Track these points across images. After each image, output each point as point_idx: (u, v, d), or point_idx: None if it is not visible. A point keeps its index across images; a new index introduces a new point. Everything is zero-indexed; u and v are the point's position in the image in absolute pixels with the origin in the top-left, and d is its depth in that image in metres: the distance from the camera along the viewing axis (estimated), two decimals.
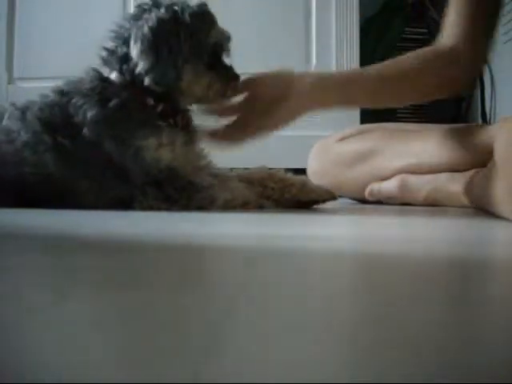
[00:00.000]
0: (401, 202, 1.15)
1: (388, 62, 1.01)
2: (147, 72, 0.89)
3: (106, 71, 0.94)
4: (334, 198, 0.99)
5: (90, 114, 0.89)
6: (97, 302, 0.31)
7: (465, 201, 1.04)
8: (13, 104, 0.95)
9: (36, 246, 0.53)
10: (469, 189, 1.01)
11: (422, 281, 0.38)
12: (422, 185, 1.12)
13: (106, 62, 0.94)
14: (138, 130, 0.91)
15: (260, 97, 0.96)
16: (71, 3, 1.89)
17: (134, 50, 0.90)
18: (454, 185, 1.07)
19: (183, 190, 0.91)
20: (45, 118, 0.91)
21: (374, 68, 1.01)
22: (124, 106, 0.91)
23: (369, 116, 1.69)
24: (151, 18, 0.90)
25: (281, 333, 0.25)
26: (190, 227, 0.73)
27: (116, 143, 0.90)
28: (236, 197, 0.92)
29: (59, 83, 0.96)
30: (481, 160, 0.97)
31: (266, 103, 0.96)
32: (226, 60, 0.97)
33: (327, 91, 0.99)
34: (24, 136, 0.90)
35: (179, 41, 0.90)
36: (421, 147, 1.14)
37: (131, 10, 1.85)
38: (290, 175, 0.98)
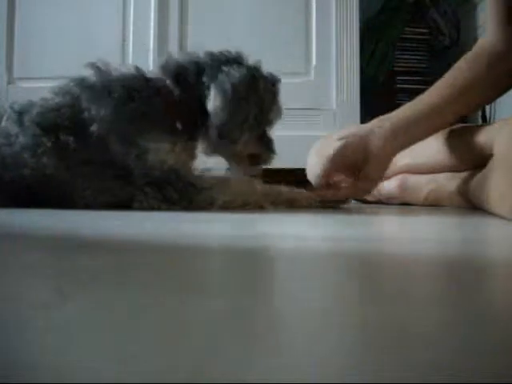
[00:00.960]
0: (401, 202, 1.16)
1: (441, 84, 1.01)
2: (218, 126, 0.92)
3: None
4: (315, 201, 1.01)
5: (103, 111, 0.89)
6: (97, 301, 0.31)
7: (465, 201, 1.04)
8: (11, 106, 0.95)
9: (36, 245, 0.53)
10: (469, 189, 1.01)
11: (421, 281, 0.38)
12: (422, 185, 1.12)
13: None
14: (148, 133, 0.91)
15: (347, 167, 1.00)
16: (71, 3, 1.89)
17: (213, 101, 0.92)
18: (453, 185, 1.07)
19: (183, 191, 0.91)
20: (44, 121, 0.91)
21: (429, 99, 1.01)
22: (145, 104, 0.91)
23: (369, 116, 1.69)
24: (234, 75, 0.92)
25: (281, 332, 0.25)
26: (190, 227, 0.73)
27: (122, 142, 0.90)
28: (235, 198, 0.93)
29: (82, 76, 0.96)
30: (481, 160, 0.97)
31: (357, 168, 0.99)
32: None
33: (399, 141, 0.99)
34: (22, 139, 0.90)
35: (250, 108, 0.94)
36: (421, 147, 1.14)
37: (131, 10, 1.86)
38: (272, 187, 0.98)
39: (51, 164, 0.90)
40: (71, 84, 0.94)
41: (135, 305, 0.30)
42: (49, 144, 0.89)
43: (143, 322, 0.27)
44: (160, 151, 0.91)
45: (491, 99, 1.14)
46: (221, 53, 0.97)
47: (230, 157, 1.00)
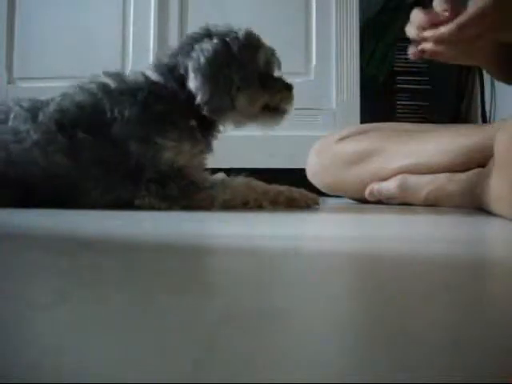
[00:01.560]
0: (401, 202, 1.16)
1: None
2: (205, 103, 0.94)
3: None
4: (316, 203, 1.01)
5: (128, 113, 0.91)
6: (97, 301, 0.31)
7: (464, 201, 1.04)
8: (19, 104, 0.95)
9: (36, 245, 0.53)
10: (469, 189, 1.01)
11: (421, 281, 0.38)
12: (422, 185, 1.12)
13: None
14: (165, 131, 0.93)
15: None
16: (71, 3, 1.89)
17: (193, 82, 0.94)
18: (453, 185, 1.07)
19: (184, 190, 0.91)
20: (61, 118, 0.92)
21: None
22: (169, 112, 0.94)
23: (369, 116, 1.69)
24: (207, 49, 0.94)
25: (281, 332, 0.25)
26: (190, 227, 0.73)
27: (141, 141, 0.92)
28: (235, 197, 0.93)
29: (103, 77, 0.97)
30: (481, 160, 0.97)
31: None
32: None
33: None
34: (34, 135, 0.91)
35: (231, 72, 0.95)
36: (421, 147, 1.14)
37: (131, 10, 1.86)
38: (272, 186, 0.98)
39: (63, 162, 0.90)
40: (93, 85, 0.95)
41: (135, 305, 0.30)
42: (63, 141, 0.90)
43: (143, 321, 0.27)
44: (175, 149, 0.93)
45: None
46: (189, 36, 1.00)
47: (247, 120, 1.01)
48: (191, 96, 0.95)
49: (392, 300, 0.32)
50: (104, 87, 0.94)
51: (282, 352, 0.22)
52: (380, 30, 2.06)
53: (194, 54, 0.95)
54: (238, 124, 1.03)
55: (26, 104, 0.94)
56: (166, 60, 0.99)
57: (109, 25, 1.85)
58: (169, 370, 0.20)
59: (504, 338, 0.24)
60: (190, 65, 0.94)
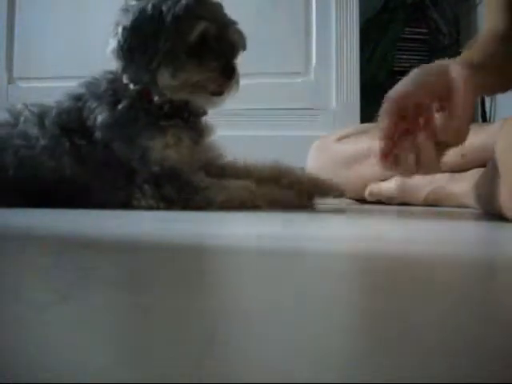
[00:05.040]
0: (401, 202, 1.15)
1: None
2: (122, 71, 0.92)
3: (119, 68, 0.94)
4: (342, 194, 1.02)
5: (100, 119, 0.92)
6: (97, 301, 0.31)
7: (464, 201, 1.03)
8: (29, 109, 0.96)
9: (36, 245, 0.53)
10: (468, 189, 1.01)
11: (420, 281, 0.38)
12: (422, 185, 1.12)
13: (118, 56, 0.92)
14: (144, 131, 0.92)
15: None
16: (71, 3, 1.89)
17: (109, 47, 0.91)
18: (453, 185, 1.07)
19: (181, 191, 0.91)
20: (62, 123, 0.93)
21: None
22: (132, 107, 0.93)
23: (369, 116, 1.69)
24: (134, 11, 0.89)
25: (281, 332, 0.25)
26: (190, 227, 0.73)
27: (125, 144, 0.92)
28: (233, 197, 0.93)
29: (75, 85, 0.98)
30: (481, 160, 0.97)
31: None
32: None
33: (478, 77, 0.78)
34: (42, 141, 0.93)
35: (157, 42, 0.89)
36: None
37: None
38: (301, 171, 1.00)
39: (69, 164, 0.92)
40: (81, 88, 0.96)
41: (135, 305, 0.30)
42: (67, 144, 0.92)
43: (143, 321, 0.27)
44: (160, 147, 0.92)
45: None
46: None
47: (176, 95, 0.93)
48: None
49: (392, 300, 0.32)
50: (80, 96, 0.95)
51: (281, 352, 0.22)
52: (380, 30, 2.06)
53: (119, 18, 0.90)
54: (180, 96, 0.94)
55: (35, 109, 0.96)
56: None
57: (109, 25, 1.85)
58: (169, 369, 0.20)
59: (503, 338, 0.24)
60: (112, 28, 0.91)
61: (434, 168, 0.75)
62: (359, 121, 1.73)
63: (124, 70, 0.92)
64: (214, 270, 0.44)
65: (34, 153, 0.93)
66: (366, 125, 1.34)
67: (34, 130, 0.94)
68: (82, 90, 0.96)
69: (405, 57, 2.07)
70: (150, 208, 0.91)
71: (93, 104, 0.93)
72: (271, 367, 0.21)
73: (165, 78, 0.91)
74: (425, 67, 0.79)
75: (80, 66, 1.80)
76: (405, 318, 0.27)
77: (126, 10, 0.93)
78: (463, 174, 1.06)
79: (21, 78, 1.89)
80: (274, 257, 0.48)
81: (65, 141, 0.92)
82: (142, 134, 0.92)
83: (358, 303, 0.32)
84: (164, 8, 0.89)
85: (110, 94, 0.93)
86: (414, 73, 0.79)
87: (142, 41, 0.89)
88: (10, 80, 1.90)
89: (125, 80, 0.93)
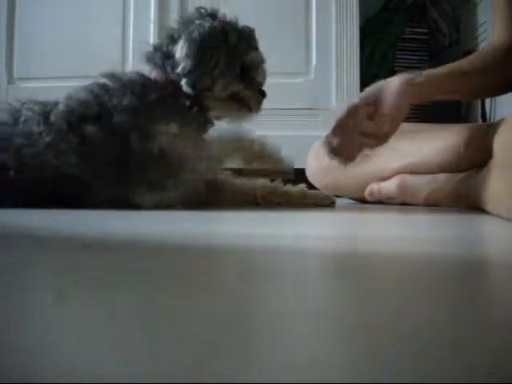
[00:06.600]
0: (400, 202, 1.15)
1: (450, 65, 1.04)
2: (186, 74, 0.96)
3: (147, 69, 1.00)
4: (332, 202, 1.06)
5: (126, 101, 0.94)
6: (97, 301, 0.31)
7: (464, 201, 1.03)
8: (30, 108, 0.96)
9: (36, 245, 0.53)
10: (468, 189, 1.01)
11: (420, 281, 0.38)
12: (422, 185, 1.12)
13: (148, 58, 1.00)
14: (162, 120, 0.95)
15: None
16: (71, 3, 1.89)
17: (180, 50, 0.96)
18: (453, 185, 1.07)
19: (194, 186, 0.95)
20: (73, 114, 0.94)
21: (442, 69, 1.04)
22: (162, 99, 0.97)
23: None
24: (204, 26, 0.97)
25: (280, 332, 0.25)
26: (190, 227, 0.73)
27: (140, 134, 0.94)
28: (238, 198, 0.98)
29: (86, 83, 1.00)
30: (481, 160, 0.97)
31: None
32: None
33: (417, 82, 1.01)
34: (47, 137, 0.92)
35: (220, 55, 0.98)
36: (420, 147, 1.14)
37: (131, 10, 1.86)
38: (289, 187, 1.04)
39: (74, 160, 0.92)
40: (93, 85, 0.98)
41: (135, 305, 0.30)
42: (74, 140, 0.92)
43: (143, 322, 0.27)
44: (174, 137, 0.95)
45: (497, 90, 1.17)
46: (196, 10, 1.03)
47: (215, 105, 1.03)
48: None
49: (392, 300, 0.32)
50: (103, 86, 0.97)
51: (281, 352, 0.22)
52: (380, 30, 2.06)
53: (190, 27, 0.98)
54: (212, 108, 1.03)
55: (36, 107, 0.96)
56: (160, 42, 1.02)
57: (109, 25, 1.85)
58: (169, 369, 0.20)
59: (502, 338, 0.24)
60: (184, 35, 0.97)
61: (349, 157, 1.02)
62: None
63: (189, 72, 0.96)
64: (214, 270, 0.44)
65: (36, 150, 0.92)
66: None
67: (38, 128, 0.93)
68: (102, 81, 0.97)
69: (405, 57, 2.07)
70: (155, 205, 0.92)
71: (118, 90, 0.95)
72: (271, 367, 0.21)
73: (218, 88, 0.99)
74: (375, 83, 1.02)
75: (80, 65, 1.81)
76: (405, 318, 0.27)
77: (186, 23, 1.00)
78: (463, 174, 1.06)
79: (21, 78, 1.89)
80: (273, 256, 0.48)
81: (71, 135, 0.92)
82: (158, 121, 0.94)
83: (356, 303, 0.32)
84: (228, 28, 1.00)
85: (137, 84, 0.97)
86: (368, 88, 1.02)
87: (209, 51, 0.97)
88: (10, 80, 1.90)
89: (183, 82, 0.97)
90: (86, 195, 0.92)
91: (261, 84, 1.06)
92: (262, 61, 1.05)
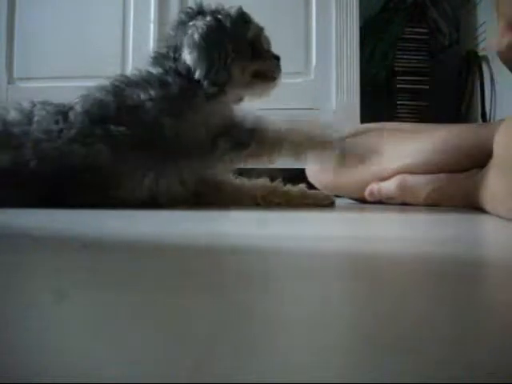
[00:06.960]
0: (401, 202, 1.15)
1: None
2: (204, 77, 0.99)
3: (156, 70, 1.01)
4: (331, 202, 1.06)
5: (154, 93, 0.96)
6: (97, 302, 0.31)
7: (464, 201, 1.04)
8: (44, 108, 0.96)
9: (36, 245, 0.53)
10: (468, 189, 1.01)
11: (419, 281, 0.38)
12: (422, 185, 1.12)
13: (156, 62, 1.02)
14: (195, 106, 0.99)
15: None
16: (71, 3, 1.89)
17: (189, 58, 0.99)
18: (453, 185, 1.07)
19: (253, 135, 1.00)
20: (92, 114, 0.94)
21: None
22: (183, 91, 0.99)
23: (369, 116, 1.69)
24: (200, 26, 1.00)
25: (280, 332, 0.25)
26: (190, 227, 0.73)
27: (175, 118, 0.96)
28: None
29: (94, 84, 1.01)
30: (480, 160, 0.97)
31: None
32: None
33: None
34: (69, 132, 0.92)
35: (225, 45, 1.00)
36: (420, 147, 1.14)
37: (131, 10, 1.86)
38: (289, 187, 1.05)
39: (103, 151, 0.91)
40: (107, 84, 0.98)
41: (135, 305, 0.30)
42: (100, 132, 0.92)
43: (143, 321, 0.27)
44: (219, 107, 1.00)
45: None
46: (183, 12, 1.06)
47: (240, 91, 1.07)
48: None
49: (392, 300, 0.32)
50: (122, 81, 0.99)
51: (281, 352, 0.22)
52: (380, 30, 2.06)
53: (189, 31, 1.00)
54: (236, 97, 1.08)
55: (49, 108, 0.96)
56: (164, 50, 1.03)
57: (109, 25, 1.85)
58: (169, 369, 0.20)
59: (502, 338, 0.24)
60: (185, 42, 1.00)
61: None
62: (359, 121, 1.72)
63: (207, 75, 0.99)
64: (214, 270, 0.44)
65: (58, 144, 0.91)
66: (366, 125, 1.34)
67: (55, 126, 0.92)
68: (120, 80, 0.99)
69: (405, 57, 2.07)
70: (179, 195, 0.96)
71: (138, 85, 0.97)
72: (271, 367, 0.21)
73: (236, 74, 1.03)
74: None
75: (80, 65, 1.81)
76: (404, 318, 0.27)
77: (182, 28, 1.02)
78: (463, 174, 1.06)
79: (21, 78, 1.89)
80: (274, 256, 0.48)
81: (97, 129, 0.92)
82: (193, 107, 0.97)
83: (356, 303, 0.32)
84: (220, 17, 1.03)
85: (158, 78, 0.99)
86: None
87: (215, 47, 1.00)
88: (10, 80, 1.90)
89: (206, 86, 0.99)
90: (112, 185, 0.92)
91: (269, 50, 1.09)
92: (261, 29, 1.09)
